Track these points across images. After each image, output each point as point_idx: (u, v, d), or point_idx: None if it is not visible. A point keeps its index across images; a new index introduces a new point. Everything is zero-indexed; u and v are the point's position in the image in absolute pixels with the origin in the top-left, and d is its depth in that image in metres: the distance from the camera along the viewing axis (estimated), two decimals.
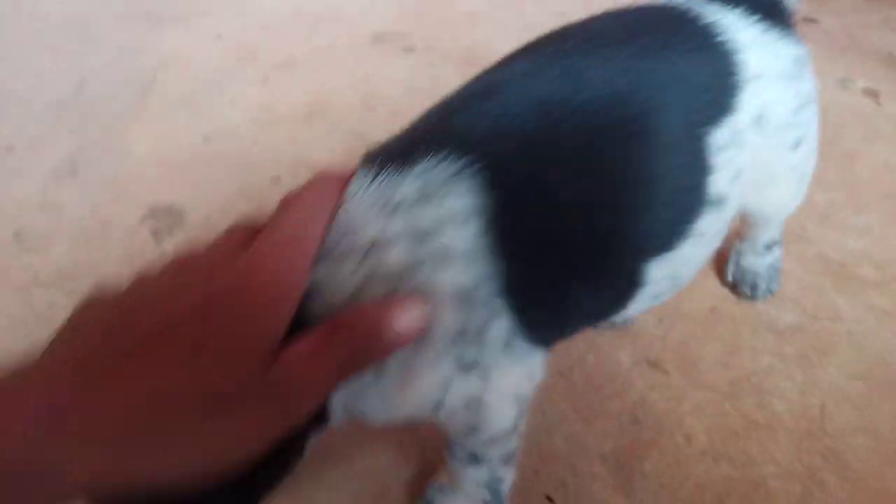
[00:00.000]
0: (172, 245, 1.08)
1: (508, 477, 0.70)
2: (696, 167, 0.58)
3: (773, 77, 0.63)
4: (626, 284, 0.59)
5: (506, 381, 0.56)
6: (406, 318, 0.43)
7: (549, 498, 0.78)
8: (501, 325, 0.52)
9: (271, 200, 1.07)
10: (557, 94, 0.52)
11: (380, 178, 0.50)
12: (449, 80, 1.39)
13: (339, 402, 0.52)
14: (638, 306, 0.63)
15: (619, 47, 0.56)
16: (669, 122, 0.55)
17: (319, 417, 0.52)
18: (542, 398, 0.87)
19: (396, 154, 0.52)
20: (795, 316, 0.97)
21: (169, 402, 0.35)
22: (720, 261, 1.04)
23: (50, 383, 0.35)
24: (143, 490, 0.35)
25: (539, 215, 0.51)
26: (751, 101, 0.60)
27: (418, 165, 0.50)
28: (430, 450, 0.81)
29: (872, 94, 1.36)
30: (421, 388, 0.52)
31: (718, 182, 0.59)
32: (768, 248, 0.98)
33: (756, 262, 0.98)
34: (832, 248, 1.07)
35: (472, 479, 0.69)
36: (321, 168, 0.50)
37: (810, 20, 1.54)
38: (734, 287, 1.00)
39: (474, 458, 0.65)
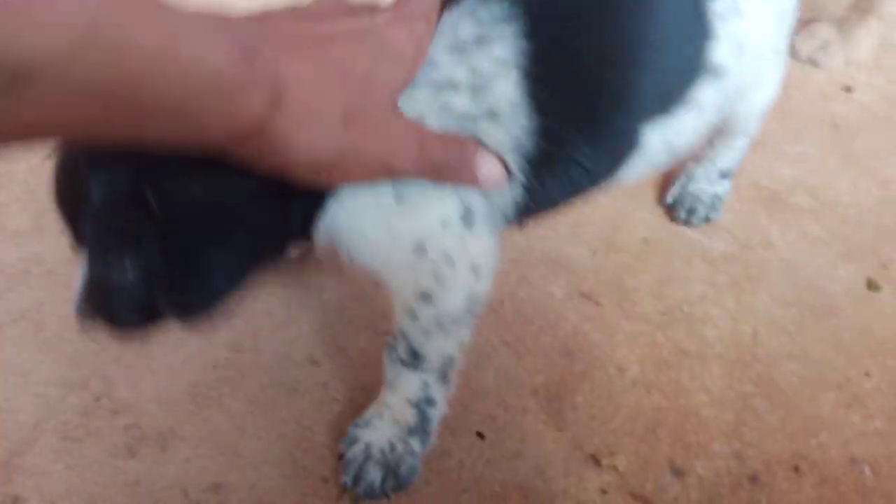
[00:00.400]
0: None
1: (440, 401, 0.68)
2: (699, 33, 0.61)
3: None
4: (623, 144, 0.62)
5: (475, 247, 0.59)
6: (491, 169, 0.54)
7: (479, 434, 0.76)
8: (507, 192, 0.59)
9: None
10: None
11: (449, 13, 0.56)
12: None
13: (332, 218, 0.56)
14: (630, 173, 0.66)
15: None
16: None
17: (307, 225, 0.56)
18: (472, 333, 0.85)
19: None
20: (728, 244, 0.96)
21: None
22: (656, 187, 1.02)
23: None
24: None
25: (560, 69, 0.56)
26: None
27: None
28: (358, 389, 0.78)
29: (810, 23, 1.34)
30: (424, 217, 0.56)
31: (719, 51, 0.62)
32: (723, 176, 0.97)
33: (704, 189, 0.97)
34: (766, 176, 1.06)
35: (404, 392, 0.67)
36: None
37: None
38: (671, 209, 0.99)
39: (413, 357, 0.64)
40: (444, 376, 0.67)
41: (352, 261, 0.60)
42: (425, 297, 0.60)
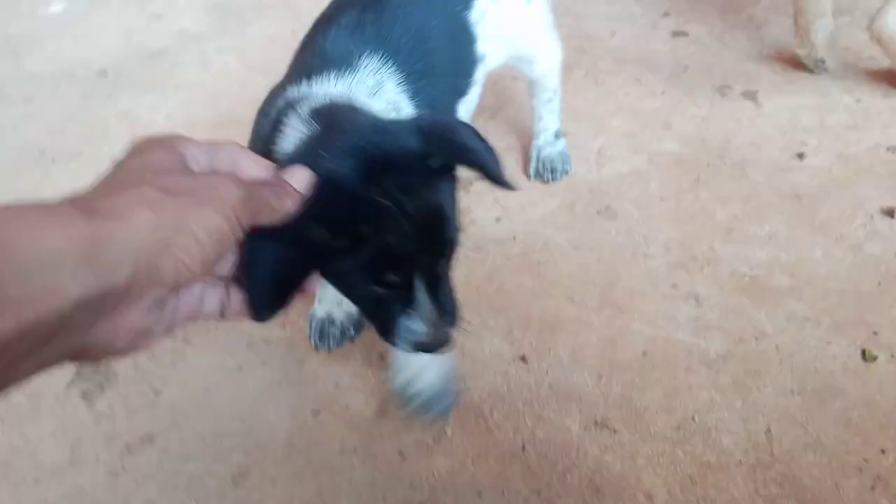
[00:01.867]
0: (106, 406, 1.06)
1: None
2: (469, 39, 0.97)
3: None
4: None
5: None
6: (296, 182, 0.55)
7: None
8: None
9: (197, 332, 1.05)
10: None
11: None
12: None
13: None
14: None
15: None
16: (450, 15, 0.95)
17: None
18: (501, 483, 0.89)
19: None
20: (723, 342, 1.01)
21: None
22: (644, 299, 1.07)
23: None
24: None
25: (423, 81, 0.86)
26: None
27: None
28: None
29: (751, 96, 1.42)
30: None
31: (481, 45, 0.99)
32: (557, 137, 1.32)
33: (551, 151, 1.31)
34: (743, 263, 1.11)
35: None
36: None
37: (680, 33, 1.60)
38: (540, 176, 1.30)
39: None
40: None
41: None
42: None
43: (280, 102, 0.76)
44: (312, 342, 1.08)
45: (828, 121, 1.36)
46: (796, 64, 1.47)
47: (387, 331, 0.70)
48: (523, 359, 1.03)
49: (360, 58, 0.81)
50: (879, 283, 1.06)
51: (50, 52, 1.93)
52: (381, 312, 0.69)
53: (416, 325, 0.68)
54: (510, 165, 1.34)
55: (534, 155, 1.32)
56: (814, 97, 1.40)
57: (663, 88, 1.46)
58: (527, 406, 0.97)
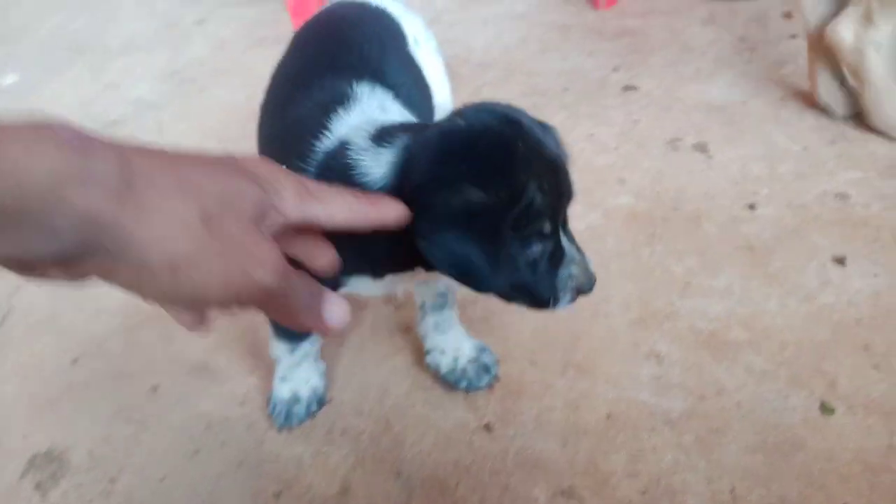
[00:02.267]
0: (60, 497, 1.02)
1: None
2: (416, 65, 1.06)
3: (411, 21, 1.12)
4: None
5: None
6: (338, 313, 0.56)
7: None
8: None
9: (153, 415, 1.03)
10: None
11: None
12: None
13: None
14: None
15: (363, 22, 1.04)
16: (400, 47, 1.05)
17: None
18: None
19: None
20: (684, 401, 1.01)
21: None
22: (611, 359, 1.07)
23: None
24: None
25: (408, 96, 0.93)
26: (409, 32, 1.09)
27: None
28: None
29: (702, 148, 1.46)
30: None
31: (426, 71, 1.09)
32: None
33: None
34: (701, 317, 1.12)
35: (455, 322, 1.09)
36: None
37: (630, 87, 1.64)
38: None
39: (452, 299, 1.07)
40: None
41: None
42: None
43: (319, 155, 0.77)
44: (276, 425, 1.05)
45: (777, 170, 1.39)
46: (744, 114, 1.51)
47: (547, 289, 0.74)
48: (487, 427, 1.02)
49: (353, 88, 0.85)
50: (834, 333, 1.08)
51: None
52: (536, 273, 0.73)
53: (574, 270, 0.74)
54: None
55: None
56: (762, 147, 1.44)
57: (616, 143, 1.48)
58: (493, 476, 0.96)
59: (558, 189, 0.71)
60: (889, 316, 1.10)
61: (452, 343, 1.07)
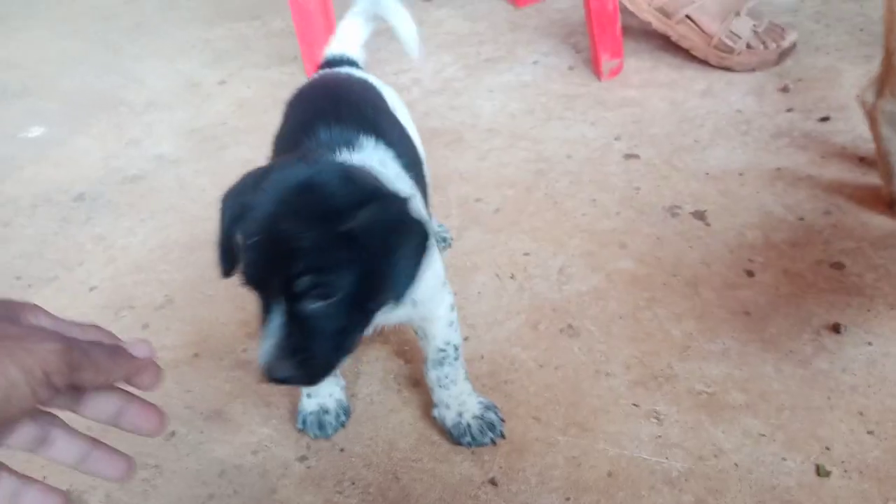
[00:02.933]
0: None
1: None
2: (404, 127, 1.16)
3: (388, 90, 1.24)
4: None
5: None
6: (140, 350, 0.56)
7: None
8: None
9: (168, 460, 1.08)
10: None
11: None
12: None
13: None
14: None
15: (354, 87, 1.17)
16: (388, 111, 1.14)
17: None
18: None
19: None
20: (684, 460, 1.05)
21: None
22: (609, 419, 1.11)
23: None
24: None
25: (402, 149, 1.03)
26: (388, 98, 1.20)
27: None
28: None
29: (700, 216, 1.52)
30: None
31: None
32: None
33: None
34: (699, 380, 1.17)
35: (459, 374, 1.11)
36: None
37: (631, 156, 1.72)
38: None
39: (455, 349, 1.09)
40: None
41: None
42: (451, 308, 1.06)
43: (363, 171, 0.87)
44: (312, 434, 1.14)
45: (772, 238, 1.45)
46: (740, 184, 1.58)
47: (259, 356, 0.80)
48: (493, 482, 1.05)
49: (359, 137, 0.95)
50: (829, 398, 1.12)
51: (28, 176, 1.99)
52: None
53: (261, 347, 0.79)
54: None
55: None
56: (758, 216, 1.50)
57: (618, 209, 1.55)
58: None
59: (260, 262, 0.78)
60: (884, 383, 1.13)
61: (457, 398, 1.10)
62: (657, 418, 1.11)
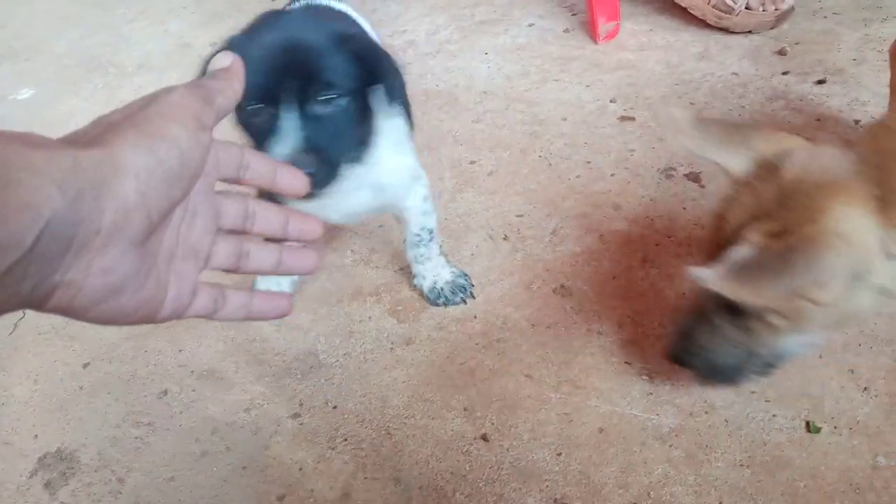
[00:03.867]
0: (69, 495, 1.05)
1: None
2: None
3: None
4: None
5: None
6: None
7: None
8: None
9: (161, 418, 1.10)
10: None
11: None
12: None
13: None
14: None
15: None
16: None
17: None
18: None
19: None
20: (675, 416, 1.05)
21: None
22: (607, 376, 1.11)
23: None
24: None
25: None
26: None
27: None
28: None
29: (694, 177, 1.51)
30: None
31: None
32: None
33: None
34: None
35: (434, 252, 1.29)
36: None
37: (626, 118, 1.70)
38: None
39: (430, 233, 1.25)
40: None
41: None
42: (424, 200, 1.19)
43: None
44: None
45: None
46: None
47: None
48: (484, 437, 1.06)
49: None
50: (820, 356, 1.12)
51: None
52: (260, 139, 0.89)
53: (277, 149, 0.86)
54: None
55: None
56: None
57: (612, 171, 1.54)
58: (488, 485, 0.99)
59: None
60: (875, 341, 1.14)
61: (432, 271, 1.28)
62: (648, 376, 1.11)
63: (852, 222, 0.75)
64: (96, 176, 0.42)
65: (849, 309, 0.80)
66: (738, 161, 0.85)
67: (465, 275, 1.31)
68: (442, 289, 1.27)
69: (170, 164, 0.47)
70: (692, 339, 0.92)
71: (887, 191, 0.76)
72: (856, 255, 0.75)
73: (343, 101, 0.90)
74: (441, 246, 1.30)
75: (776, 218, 0.78)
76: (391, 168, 1.09)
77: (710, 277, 0.74)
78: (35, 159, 0.40)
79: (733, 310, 0.84)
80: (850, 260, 0.75)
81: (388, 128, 1.06)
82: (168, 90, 0.51)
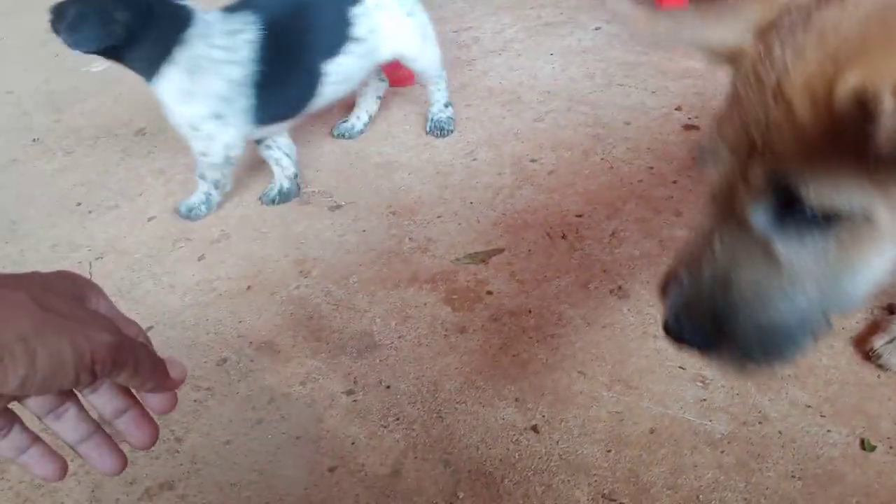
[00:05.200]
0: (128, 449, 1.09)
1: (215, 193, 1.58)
2: (345, 23, 1.52)
3: None
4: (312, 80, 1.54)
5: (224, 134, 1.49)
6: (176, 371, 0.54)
7: None
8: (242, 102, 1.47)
9: (220, 384, 1.13)
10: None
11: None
12: (376, 231, 1.47)
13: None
14: (328, 93, 1.56)
15: None
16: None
17: None
18: None
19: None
20: (728, 424, 1.05)
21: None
22: (653, 379, 1.12)
23: None
24: None
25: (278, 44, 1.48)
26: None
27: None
28: None
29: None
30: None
31: (358, 28, 1.53)
32: (446, 106, 1.78)
33: (441, 115, 1.77)
34: None
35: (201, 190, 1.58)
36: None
37: (691, 126, 1.70)
38: (435, 133, 1.77)
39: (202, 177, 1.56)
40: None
41: None
42: (202, 153, 1.51)
43: None
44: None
45: None
46: None
47: None
48: (535, 429, 1.07)
49: None
50: (879, 376, 1.11)
51: (91, 109, 2.04)
52: None
53: None
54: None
55: (429, 119, 1.79)
56: None
57: (675, 178, 1.53)
58: (537, 475, 1.00)
59: None
60: None
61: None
62: (703, 382, 1.11)
63: None
64: None
65: None
66: (729, 33, 0.61)
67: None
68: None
69: None
70: (730, 287, 0.58)
71: None
72: None
73: None
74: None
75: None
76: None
77: None
78: None
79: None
80: None
81: None
82: (98, 323, 0.48)
